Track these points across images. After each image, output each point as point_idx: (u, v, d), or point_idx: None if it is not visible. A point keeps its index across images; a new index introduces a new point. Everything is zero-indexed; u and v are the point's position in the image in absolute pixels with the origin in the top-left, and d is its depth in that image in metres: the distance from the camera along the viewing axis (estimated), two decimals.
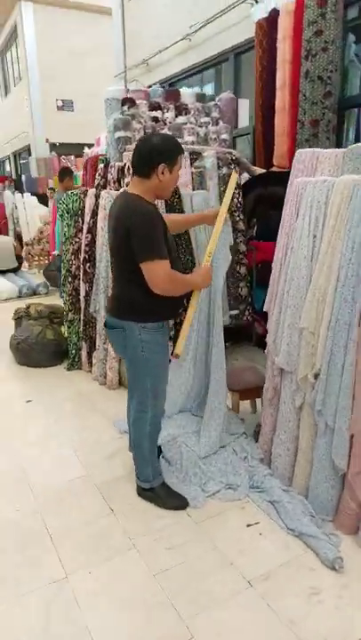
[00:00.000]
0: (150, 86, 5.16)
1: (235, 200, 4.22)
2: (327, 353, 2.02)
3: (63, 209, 3.90)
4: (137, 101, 4.11)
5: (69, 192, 3.94)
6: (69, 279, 3.87)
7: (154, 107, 4.21)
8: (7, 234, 10.14)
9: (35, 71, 12.98)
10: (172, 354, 2.18)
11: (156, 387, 2.13)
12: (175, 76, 7.03)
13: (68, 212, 3.86)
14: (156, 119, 4.18)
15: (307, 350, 2.13)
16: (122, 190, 2.04)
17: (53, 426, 3.02)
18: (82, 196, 3.79)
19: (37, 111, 13.16)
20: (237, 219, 4.20)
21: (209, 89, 6.70)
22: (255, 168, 4.56)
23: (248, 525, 2.10)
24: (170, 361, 2.25)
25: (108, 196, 3.45)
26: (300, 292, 2.16)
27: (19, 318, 4.49)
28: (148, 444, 2.19)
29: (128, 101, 4.01)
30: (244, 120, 5.90)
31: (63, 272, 3.98)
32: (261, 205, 4.40)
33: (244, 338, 4.36)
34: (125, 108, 3.98)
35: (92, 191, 3.72)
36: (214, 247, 2.30)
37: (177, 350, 2.23)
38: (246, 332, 4.31)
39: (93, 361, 3.71)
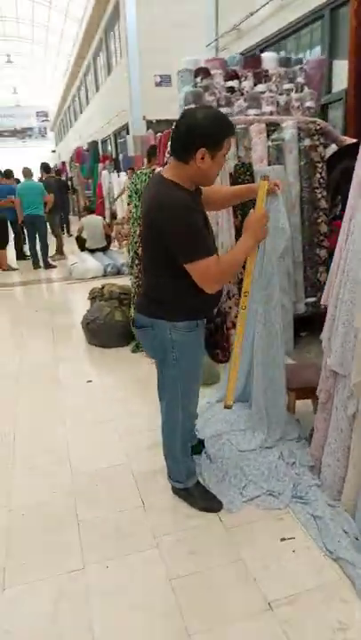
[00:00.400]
0: (243, 54, 4.85)
1: (317, 175, 3.85)
2: None
3: (132, 189, 3.86)
4: (212, 71, 3.86)
5: (138, 171, 3.87)
6: (136, 261, 3.85)
7: (231, 76, 3.93)
8: (104, 213, 10.48)
9: (135, 47, 13.03)
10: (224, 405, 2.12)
11: (187, 389, 1.99)
12: (267, 40, 6.56)
13: (136, 193, 3.81)
14: (232, 89, 3.90)
15: None
16: (157, 172, 1.84)
17: (107, 409, 3.06)
18: (150, 175, 3.70)
19: (136, 88, 13.26)
20: (319, 196, 3.83)
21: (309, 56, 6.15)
22: (344, 138, 4.10)
23: (282, 539, 1.92)
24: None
25: None
26: (357, 286, 1.88)
27: (93, 298, 4.61)
28: (180, 446, 2.07)
29: (201, 72, 3.78)
30: (342, 85, 5.33)
31: (131, 254, 3.97)
32: (348, 181, 3.96)
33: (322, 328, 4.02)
34: (198, 79, 3.77)
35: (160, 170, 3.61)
36: None
37: (227, 401, 2.12)
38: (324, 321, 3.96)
39: None
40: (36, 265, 7.85)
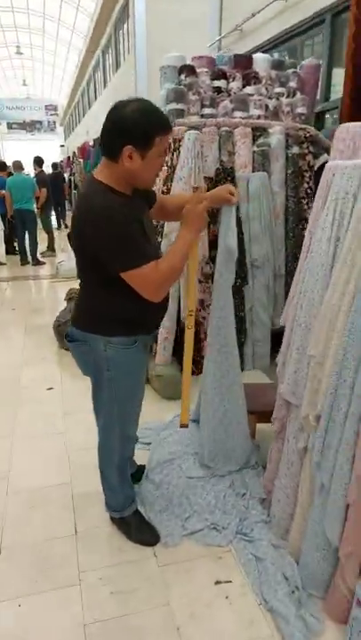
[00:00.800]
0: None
1: (304, 185, 3.68)
2: (330, 393, 1.57)
3: None
4: (198, 69, 3.69)
5: None
6: None
7: (218, 75, 3.76)
8: None
9: (142, 44, 12.86)
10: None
11: (124, 412, 1.81)
12: (270, 43, 6.38)
13: None
14: (218, 89, 3.73)
15: (313, 384, 1.68)
16: (91, 173, 1.65)
17: (61, 420, 2.89)
18: None
19: (142, 85, 13.08)
20: (305, 207, 3.65)
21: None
22: None
23: (217, 582, 1.76)
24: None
25: None
26: (312, 310, 1.71)
27: (69, 299, 4.44)
28: (117, 474, 1.90)
29: (186, 69, 3.61)
30: (340, 93, 5.15)
31: None
32: None
33: None
34: (182, 76, 3.60)
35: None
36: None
37: (182, 419, 1.99)
38: None
39: None
40: (23, 261, 7.69)
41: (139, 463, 2.31)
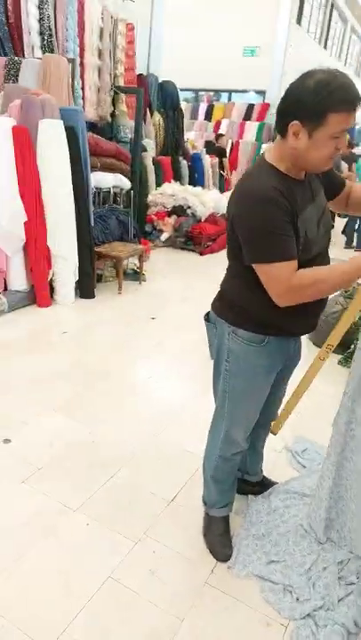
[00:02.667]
0: None
1: None
2: None
3: None
4: None
5: None
6: None
7: None
8: None
9: None
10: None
11: (235, 412, 1.66)
12: None
13: None
14: None
15: None
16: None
17: None
18: None
19: None
20: None
21: None
22: None
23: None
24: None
25: None
26: None
27: None
28: (212, 470, 1.78)
29: None
30: None
31: None
32: None
33: None
34: None
35: None
36: None
37: (273, 428, 1.79)
38: None
39: None
40: (347, 245, 7.46)
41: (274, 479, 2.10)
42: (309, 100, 1.21)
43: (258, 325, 1.50)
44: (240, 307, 1.51)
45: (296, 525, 1.87)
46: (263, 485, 2.08)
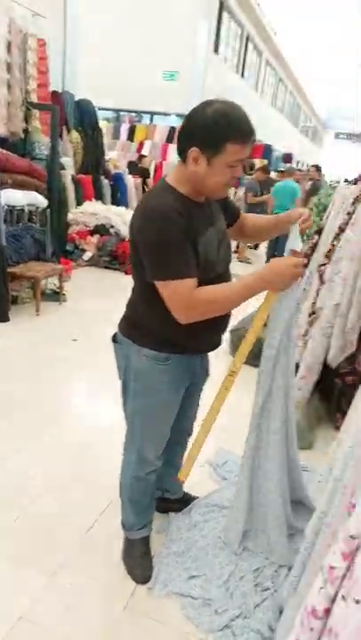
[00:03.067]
0: None
1: None
2: None
3: (315, 201, 3.36)
4: None
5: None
6: None
7: None
8: None
9: None
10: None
11: (146, 431, 1.66)
12: None
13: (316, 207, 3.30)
14: None
15: None
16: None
17: None
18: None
19: None
20: None
21: None
22: None
23: None
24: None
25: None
26: None
27: None
28: (128, 491, 1.77)
29: None
30: None
31: None
32: None
33: None
34: None
35: None
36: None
37: (180, 475, 1.80)
38: None
39: None
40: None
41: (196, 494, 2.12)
42: (209, 129, 1.27)
43: (161, 344, 1.51)
44: (144, 325, 1.53)
45: (215, 538, 1.91)
46: (184, 502, 2.09)
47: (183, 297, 1.35)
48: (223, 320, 1.57)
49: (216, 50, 13.00)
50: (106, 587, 1.72)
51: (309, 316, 2.68)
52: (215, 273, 1.46)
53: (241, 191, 6.87)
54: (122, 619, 1.60)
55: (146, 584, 1.74)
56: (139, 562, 1.79)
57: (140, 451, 1.69)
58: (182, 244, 1.34)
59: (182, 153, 1.35)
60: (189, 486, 2.17)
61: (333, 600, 0.73)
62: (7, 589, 1.67)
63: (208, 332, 1.53)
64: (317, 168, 8.64)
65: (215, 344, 1.63)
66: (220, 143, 1.28)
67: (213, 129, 1.27)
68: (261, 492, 1.80)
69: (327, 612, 0.74)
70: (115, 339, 1.66)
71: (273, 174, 9.38)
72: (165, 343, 1.51)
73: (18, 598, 1.63)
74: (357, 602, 0.62)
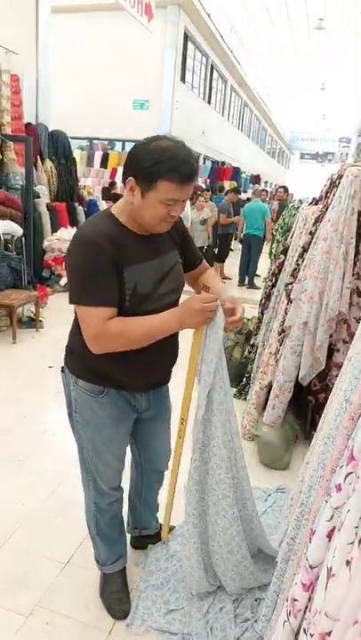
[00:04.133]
0: None
1: None
2: None
3: (280, 222, 3.44)
4: None
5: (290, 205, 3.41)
6: (262, 300, 3.42)
7: None
8: None
9: None
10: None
11: (94, 465, 1.60)
12: None
13: (281, 227, 3.38)
14: None
15: None
16: None
17: None
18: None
19: None
20: None
21: None
22: None
23: None
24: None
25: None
26: None
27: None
28: (94, 525, 1.72)
29: None
30: None
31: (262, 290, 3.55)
32: None
33: None
34: None
35: None
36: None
37: (163, 536, 1.86)
38: None
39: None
40: (240, 283, 7.92)
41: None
42: (144, 162, 1.26)
43: (94, 375, 1.47)
44: (76, 354, 1.49)
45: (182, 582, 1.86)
46: (149, 537, 2.02)
47: (92, 325, 1.32)
48: (163, 356, 1.52)
49: (183, 79, 13.36)
50: (84, 625, 1.67)
51: (279, 334, 2.71)
52: (149, 308, 1.38)
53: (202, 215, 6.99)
54: None
55: (124, 619, 1.69)
56: (116, 596, 1.74)
57: (95, 483, 1.65)
58: (103, 273, 1.30)
59: (124, 180, 1.34)
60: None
61: (297, 634, 0.72)
62: None
63: (142, 367, 1.47)
64: (285, 189, 8.87)
65: (155, 382, 1.58)
66: (154, 179, 1.26)
67: (149, 164, 1.26)
68: (209, 526, 1.70)
69: None
70: (62, 368, 1.61)
71: (242, 195, 9.58)
72: (98, 376, 1.47)
73: None
74: (312, 635, 0.61)
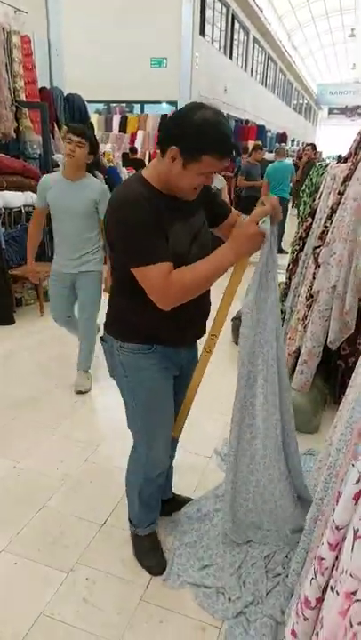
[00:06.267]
0: None
1: None
2: None
3: (307, 183, 3.33)
4: None
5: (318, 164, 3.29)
6: (290, 265, 3.37)
7: None
8: None
9: None
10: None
11: (148, 429, 1.67)
12: None
13: (308, 188, 3.27)
14: None
15: None
16: None
17: None
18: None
19: None
20: None
21: None
22: None
23: None
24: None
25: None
26: None
27: None
28: (137, 491, 1.78)
29: None
30: None
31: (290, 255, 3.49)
32: None
33: None
34: None
35: None
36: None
37: (174, 432, 1.79)
38: None
39: None
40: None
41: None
42: (191, 137, 1.29)
43: (142, 337, 1.53)
44: (123, 320, 1.55)
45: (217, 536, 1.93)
46: (178, 503, 2.10)
47: (159, 282, 1.36)
48: (201, 309, 1.58)
49: (202, 32, 12.78)
50: (122, 580, 1.76)
51: (307, 299, 2.67)
52: (185, 254, 1.44)
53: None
54: (138, 610, 1.65)
55: (160, 576, 1.78)
56: (151, 555, 1.83)
57: (148, 452, 1.70)
58: (152, 230, 1.34)
59: (163, 149, 1.36)
60: (199, 478, 2.21)
61: (324, 591, 0.74)
62: (26, 586, 1.72)
63: (184, 321, 1.53)
64: (313, 146, 8.52)
65: (195, 336, 1.66)
66: (199, 153, 1.30)
67: (195, 138, 1.28)
68: (250, 468, 1.79)
69: (320, 601, 0.76)
70: (102, 338, 1.66)
71: (267, 155, 9.28)
72: (146, 336, 1.53)
73: (38, 595, 1.69)
74: (338, 593, 0.64)
